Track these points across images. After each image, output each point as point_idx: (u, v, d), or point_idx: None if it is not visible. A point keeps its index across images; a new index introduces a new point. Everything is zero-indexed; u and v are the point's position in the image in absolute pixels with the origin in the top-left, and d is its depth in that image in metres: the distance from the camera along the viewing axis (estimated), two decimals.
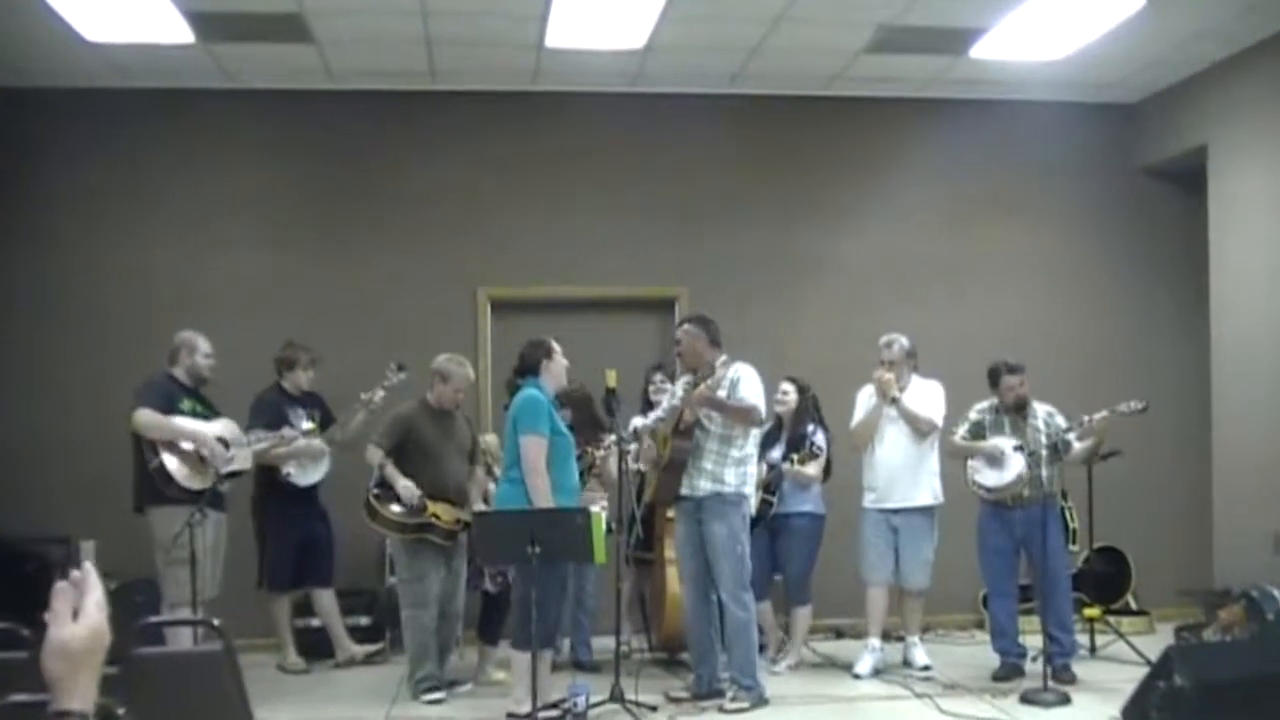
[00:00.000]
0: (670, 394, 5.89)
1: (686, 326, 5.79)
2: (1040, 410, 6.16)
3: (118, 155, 7.27)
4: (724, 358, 5.65)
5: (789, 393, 6.45)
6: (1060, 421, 6.10)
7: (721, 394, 5.50)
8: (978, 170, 7.85)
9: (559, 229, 7.57)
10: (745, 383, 5.56)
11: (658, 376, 6.63)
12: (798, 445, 6.32)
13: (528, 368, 5.58)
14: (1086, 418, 6.01)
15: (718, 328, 5.76)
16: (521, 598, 5.24)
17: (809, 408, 6.46)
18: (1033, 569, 6.18)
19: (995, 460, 6.10)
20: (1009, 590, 6.24)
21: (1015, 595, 6.30)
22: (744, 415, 5.54)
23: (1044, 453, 6.00)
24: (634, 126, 7.65)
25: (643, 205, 7.65)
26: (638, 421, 5.89)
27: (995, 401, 6.23)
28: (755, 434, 5.74)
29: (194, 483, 5.73)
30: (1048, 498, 6.01)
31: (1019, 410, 6.13)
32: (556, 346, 5.62)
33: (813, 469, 6.27)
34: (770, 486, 6.28)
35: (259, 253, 7.37)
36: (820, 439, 6.36)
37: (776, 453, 6.36)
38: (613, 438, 5.87)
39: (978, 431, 6.23)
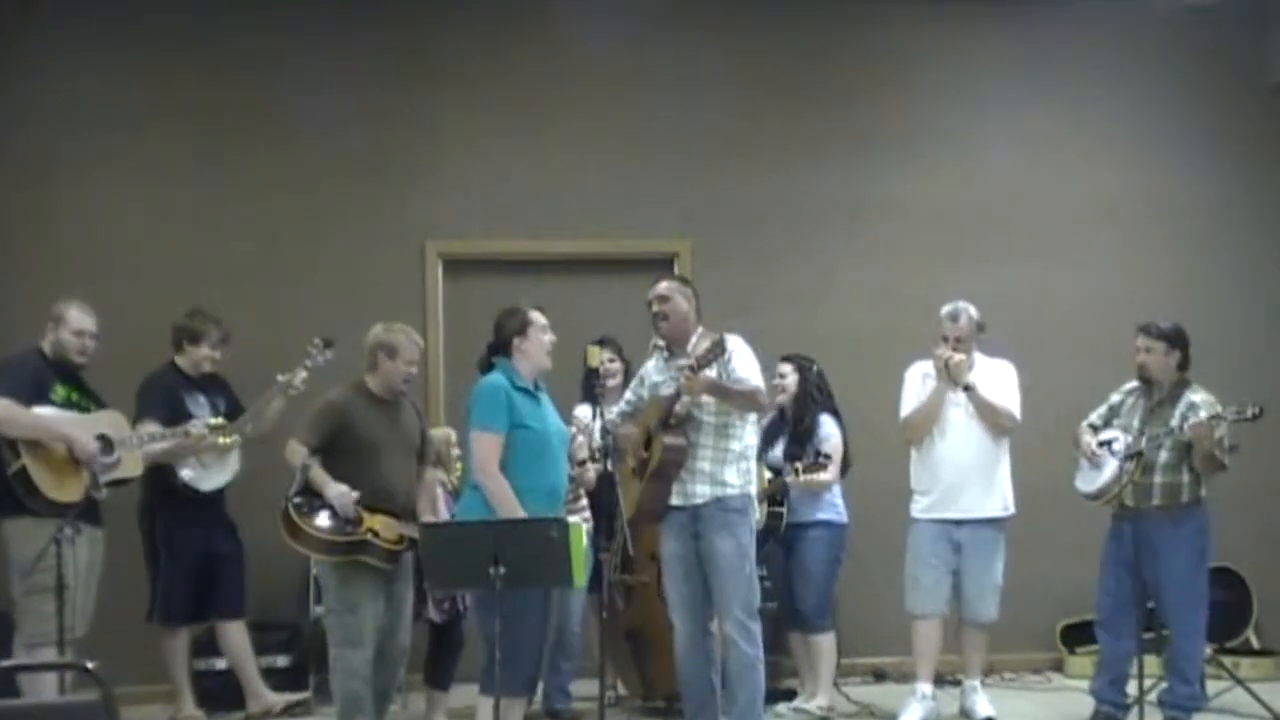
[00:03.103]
0: (644, 380, 5.79)
1: (676, 285, 5.70)
2: (1185, 399, 6.05)
3: None
4: (700, 329, 5.62)
5: (786, 375, 6.48)
6: (1204, 416, 5.90)
7: (711, 374, 5.43)
8: (1064, 90, 7.84)
9: (529, 168, 7.54)
10: (739, 358, 5.50)
11: (605, 355, 6.56)
12: (804, 439, 6.37)
13: (498, 345, 5.57)
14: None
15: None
16: (482, 633, 5.20)
17: (812, 391, 6.50)
18: (1141, 594, 6.06)
19: (1102, 458, 6.11)
20: (1118, 621, 6.16)
21: (1130, 627, 6.10)
22: (750, 400, 5.51)
23: (1163, 454, 5.96)
24: (624, 32, 7.64)
25: (635, 137, 7.63)
26: (615, 414, 5.85)
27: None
28: (755, 421, 5.69)
29: (64, 494, 5.72)
30: (1162, 509, 5.99)
31: (1155, 387, 6.09)
32: (537, 318, 5.57)
33: (826, 474, 6.24)
34: (777, 496, 6.32)
35: (137, 194, 7.29)
36: (829, 432, 6.39)
37: (778, 450, 6.42)
38: (583, 427, 5.82)
39: (1110, 417, 6.26)
